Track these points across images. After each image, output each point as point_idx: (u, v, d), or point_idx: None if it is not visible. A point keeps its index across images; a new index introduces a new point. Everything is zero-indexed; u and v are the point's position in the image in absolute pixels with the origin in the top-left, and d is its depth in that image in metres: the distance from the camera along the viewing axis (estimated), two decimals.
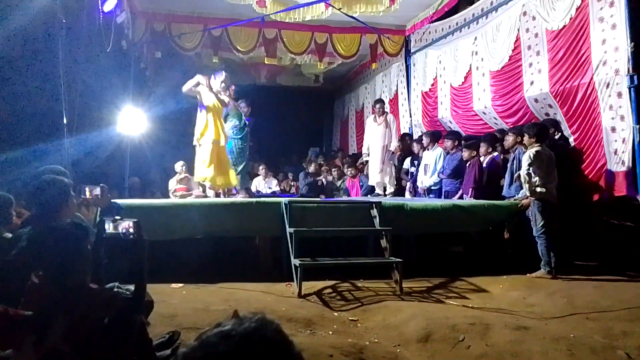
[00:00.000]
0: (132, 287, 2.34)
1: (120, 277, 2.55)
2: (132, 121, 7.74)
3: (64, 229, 2.11)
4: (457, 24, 8.38)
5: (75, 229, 2.14)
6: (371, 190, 8.61)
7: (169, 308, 3.84)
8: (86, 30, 6.21)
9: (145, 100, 8.74)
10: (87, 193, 3.18)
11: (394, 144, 8.37)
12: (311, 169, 9.84)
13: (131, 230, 2.28)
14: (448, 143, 7.48)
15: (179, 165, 8.54)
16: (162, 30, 8.63)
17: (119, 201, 5.20)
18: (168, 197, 8.24)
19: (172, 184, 8.54)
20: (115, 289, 2.53)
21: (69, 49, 5.67)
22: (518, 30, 6.92)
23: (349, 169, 9.37)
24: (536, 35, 6.64)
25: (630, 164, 5.40)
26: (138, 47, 8.65)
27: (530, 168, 5.32)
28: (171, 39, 8.63)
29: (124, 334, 2.09)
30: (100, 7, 6.30)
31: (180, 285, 4.78)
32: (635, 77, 5.33)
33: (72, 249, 2.08)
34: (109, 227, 2.32)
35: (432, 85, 9.03)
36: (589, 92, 5.83)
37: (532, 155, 5.34)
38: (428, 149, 7.90)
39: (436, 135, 8.00)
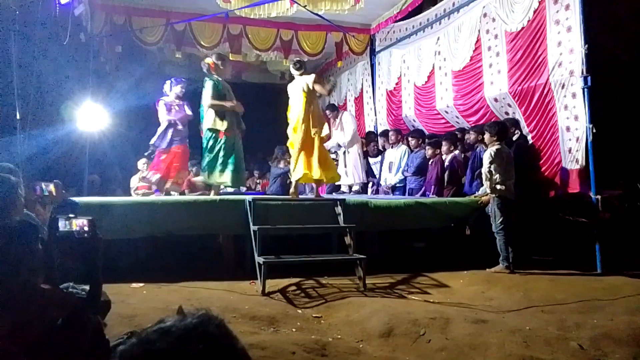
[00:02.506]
0: (87, 287, 2.27)
1: (75, 276, 2.48)
2: (91, 117, 7.52)
3: (11, 228, 2.03)
4: (420, 24, 8.50)
5: (24, 227, 2.06)
6: (336, 188, 8.64)
7: (128, 308, 3.75)
8: (42, 22, 5.98)
9: (105, 95, 8.49)
10: (41, 190, 3.07)
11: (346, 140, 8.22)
12: (281, 165, 9.78)
13: (85, 228, 2.21)
14: (412, 141, 7.59)
15: (141, 163, 8.35)
16: (122, 23, 8.39)
17: (77, 199, 5.07)
18: (129, 195, 8.05)
19: (134, 181, 8.34)
20: (70, 289, 2.45)
21: (22, 42, 5.45)
22: (479, 31, 7.07)
23: None
24: (496, 36, 6.80)
25: (584, 162, 5.60)
26: (97, 41, 8.39)
27: (491, 166, 5.45)
28: (132, 33, 8.41)
29: (78, 335, 2.03)
30: None
31: (141, 284, 4.68)
32: (588, 78, 5.52)
33: (21, 248, 2.00)
34: (62, 225, 2.24)
35: (397, 84, 9.13)
36: (545, 92, 6.02)
37: (492, 154, 5.47)
38: (393, 147, 7.98)
39: (400, 133, 8.09)
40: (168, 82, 7.02)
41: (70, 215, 2.25)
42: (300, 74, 6.00)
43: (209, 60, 6.23)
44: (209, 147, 6.03)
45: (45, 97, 6.24)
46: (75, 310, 2.06)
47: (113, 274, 3.51)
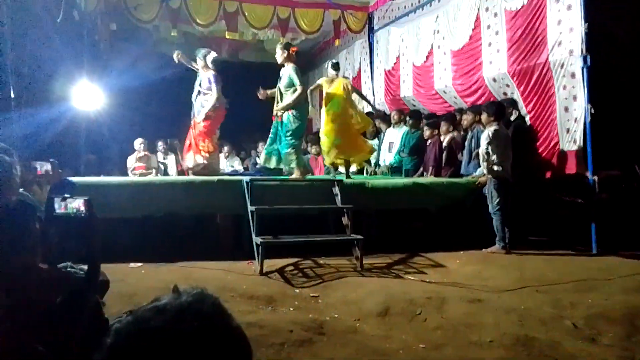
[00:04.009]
0: (85, 267, 2.28)
1: (73, 257, 2.48)
2: (86, 96, 7.44)
3: (8, 208, 2.02)
4: (419, 1, 8.38)
5: (21, 207, 2.06)
6: (335, 168, 8.62)
7: (127, 287, 3.78)
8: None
9: (101, 74, 8.40)
10: (37, 169, 3.05)
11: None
12: None
13: (82, 208, 2.20)
14: (410, 122, 7.56)
15: (137, 143, 8.32)
16: (116, 1, 8.26)
17: (73, 179, 5.05)
18: (126, 175, 8.03)
19: (131, 161, 8.32)
20: (68, 269, 2.46)
21: (15, 20, 5.36)
22: (478, 9, 6.98)
23: (313, 147, 9.32)
24: (495, 14, 6.71)
25: (582, 143, 5.60)
26: (91, 19, 8.26)
27: (489, 147, 5.44)
28: (127, 10, 8.27)
29: (77, 314, 2.04)
30: None
31: (140, 264, 4.70)
32: (588, 57, 5.47)
33: (18, 228, 2.00)
34: (58, 206, 2.23)
35: (395, 63, 9.05)
36: (544, 72, 5.97)
37: (490, 134, 5.45)
38: (394, 127, 7.96)
39: (402, 113, 8.07)
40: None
41: (67, 196, 2.24)
42: (337, 74, 6.72)
43: (285, 49, 6.09)
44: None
45: (39, 76, 6.16)
46: (73, 289, 2.07)
47: (111, 254, 3.51)
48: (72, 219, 2.18)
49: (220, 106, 6.55)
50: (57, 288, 2.01)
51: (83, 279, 2.20)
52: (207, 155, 6.48)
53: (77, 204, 2.21)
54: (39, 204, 2.94)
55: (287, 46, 6.16)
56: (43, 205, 2.62)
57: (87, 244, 2.23)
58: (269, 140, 6.30)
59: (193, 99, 6.60)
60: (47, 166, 3.03)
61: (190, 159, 6.58)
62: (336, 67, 6.81)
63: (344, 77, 7.06)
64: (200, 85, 6.56)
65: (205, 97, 6.48)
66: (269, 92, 6.32)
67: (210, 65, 6.54)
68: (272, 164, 6.29)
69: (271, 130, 6.25)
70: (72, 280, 2.15)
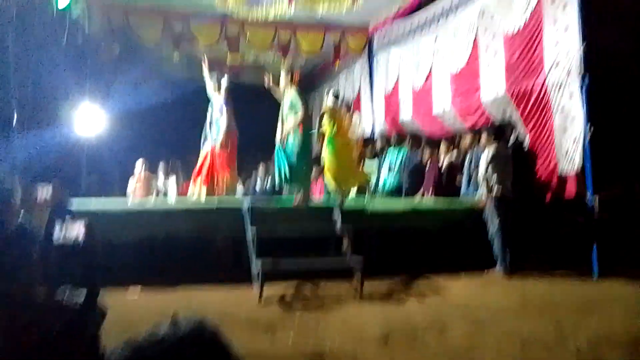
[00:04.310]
0: (84, 291, 2.27)
1: (72, 280, 2.47)
2: (89, 118, 7.51)
3: (8, 235, 2.03)
4: (418, 22, 8.44)
5: (20, 234, 2.07)
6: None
7: (125, 315, 3.72)
8: (39, 23, 5.97)
9: (103, 97, 8.48)
10: (39, 191, 3.07)
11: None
12: None
13: (82, 231, 2.21)
14: (409, 144, 7.59)
15: (139, 164, 8.35)
16: (120, 24, 8.37)
17: (75, 200, 5.06)
18: (127, 196, 8.05)
19: (132, 183, 8.34)
20: (67, 293, 2.45)
21: (19, 43, 5.44)
22: (476, 30, 7.04)
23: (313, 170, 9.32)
24: (493, 36, 6.78)
25: (581, 163, 5.59)
26: (95, 42, 8.36)
27: (489, 167, 5.45)
28: (130, 31, 8.38)
29: (74, 342, 2.03)
30: (54, 3, 6.07)
31: (138, 288, 4.68)
32: (586, 77, 5.50)
33: (17, 255, 2.00)
34: (59, 229, 2.25)
35: (394, 86, 9.11)
36: (542, 93, 6.00)
37: (489, 156, 5.48)
38: (394, 148, 8.01)
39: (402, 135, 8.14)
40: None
41: (67, 218, 2.26)
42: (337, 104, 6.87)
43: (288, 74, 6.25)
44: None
45: (42, 99, 6.23)
46: (71, 317, 2.06)
47: (110, 279, 3.50)
48: (72, 241, 2.19)
49: (233, 131, 6.60)
50: (56, 315, 2.00)
51: (80, 309, 2.19)
52: (225, 187, 6.51)
53: (77, 227, 2.22)
54: (39, 227, 2.95)
55: (290, 70, 6.24)
56: (43, 228, 2.63)
57: (86, 267, 2.24)
58: (275, 164, 6.26)
59: (207, 128, 6.64)
60: (49, 188, 3.04)
61: (193, 188, 6.63)
62: (337, 96, 6.93)
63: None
64: (212, 112, 6.63)
65: (218, 124, 6.54)
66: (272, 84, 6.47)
67: (221, 89, 6.63)
68: (285, 183, 6.26)
69: (276, 154, 6.22)
70: (70, 307, 2.14)
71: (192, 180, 6.79)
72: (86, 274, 2.26)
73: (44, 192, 3.12)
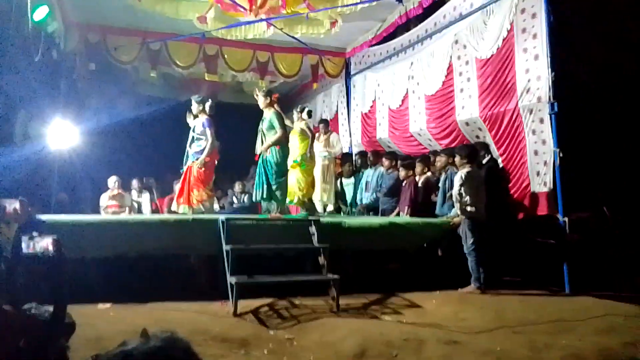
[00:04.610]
0: (51, 308, 2.20)
1: (39, 297, 2.39)
2: (61, 134, 7.37)
3: None
4: (394, 49, 8.68)
5: None
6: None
7: (94, 330, 3.63)
8: (12, 37, 5.88)
9: (77, 113, 8.36)
10: (4, 207, 2.98)
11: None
12: None
13: (50, 247, 2.15)
14: (385, 163, 7.69)
15: (111, 181, 8.22)
16: (97, 41, 8.33)
17: (44, 217, 4.93)
18: (99, 213, 7.88)
19: (104, 199, 8.19)
20: (33, 310, 2.37)
21: None
22: (450, 57, 7.26)
23: None
24: (467, 62, 6.99)
25: (552, 185, 5.75)
26: (70, 58, 8.28)
27: (462, 188, 5.55)
28: (107, 52, 8.34)
29: (41, 358, 1.96)
30: (29, 15, 6.00)
31: (108, 305, 4.55)
32: (555, 104, 5.71)
33: None
34: (26, 245, 2.18)
35: (371, 106, 9.27)
36: (514, 117, 6.18)
37: (463, 176, 5.58)
38: (371, 167, 8.11)
39: (379, 154, 8.26)
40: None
41: (35, 235, 2.20)
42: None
43: (267, 96, 6.38)
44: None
45: (13, 114, 6.10)
46: (38, 333, 1.99)
47: (80, 294, 3.39)
48: (40, 258, 2.13)
49: (214, 151, 6.60)
50: (22, 332, 1.94)
51: (48, 322, 2.13)
52: (199, 204, 6.50)
53: (45, 243, 2.17)
54: (6, 243, 2.86)
55: (269, 93, 6.49)
56: (10, 244, 2.55)
57: (54, 284, 2.18)
58: (256, 178, 6.48)
59: (188, 146, 6.64)
60: (16, 204, 2.95)
61: (175, 207, 6.61)
62: (310, 114, 7.37)
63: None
64: (194, 131, 6.62)
65: (199, 143, 6.53)
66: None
67: (207, 110, 6.63)
68: (261, 198, 6.43)
69: (257, 170, 6.44)
70: (37, 323, 2.08)
71: (175, 200, 6.74)
72: (54, 290, 2.19)
73: (11, 207, 3.03)
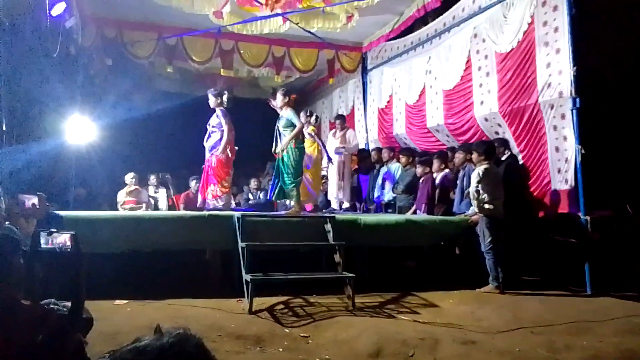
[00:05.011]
0: (69, 304, 2.21)
1: (57, 292, 2.41)
2: (78, 130, 7.44)
3: None
4: (412, 43, 8.58)
5: (4, 242, 2.01)
6: (327, 204, 8.61)
7: (111, 326, 3.66)
8: (31, 33, 5.93)
9: (94, 108, 8.43)
10: (24, 203, 3.01)
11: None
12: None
13: (68, 243, 2.15)
14: (402, 159, 7.61)
15: (129, 177, 8.27)
16: (113, 37, 8.37)
17: (62, 213, 4.98)
18: (116, 209, 7.95)
19: (121, 195, 8.25)
20: (51, 305, 2.38)
21: (10, 53, 5.40)
22: (469, 51, 7.14)
23: None
24: (486, 56, 6.87)
25: (573, 183, 5.63)
26: (87, 53, 8.35)
27: (479, 185, 5.45)
28: (123, 47, 8.39)
29: (58, 353, 1.96)
30: (47, 11, 6.05)
31: (125, 301, 4.59)
32: (577, 99, 5.58)
33: (2, 263, 1.94)
34: (44, 240, 2.19)
35: (388, 102, 9.18)
36: (535, 112, 6.07)
37: (480, 173, 5.48)
38: (387, 164, 8.04)
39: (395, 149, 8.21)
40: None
41: (53, 230, 2.20)
42: None
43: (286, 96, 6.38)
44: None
45: (32, 111, 6.17)
46: (56, 327, 2.00)
47: (97, 290, 3.42)
48: (58, 254, 2.14)
49: (232, 147, 6.62)
50: (39, 325, 1.94)
51: (66, 317, 2.13)
52: (215, 200, 6.52)
53: (63, 239, 2.17)
54: (24, 238, 2.88)
55: (287, 93, 6.46)
56: (29, 239, 2.57)
57: (72, 279, 2.18)
58: (273, 176, 6.51)
59: (205, 141, 6.67)
60: (35, 200, 2.98)
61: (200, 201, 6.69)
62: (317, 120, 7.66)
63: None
64: (209, 124, 6.65)
65: (215, 135, 6.56)
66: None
67: (224, 103, 6.66)
68: (279, 197, 6.50)
69: (275, 167, 6.47)
70: (54, 317, 2.08)
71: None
72: (72, 285, 2.20)
73: (30, 203, 3.06)
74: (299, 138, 6.32)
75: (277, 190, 6.30)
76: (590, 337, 3.95)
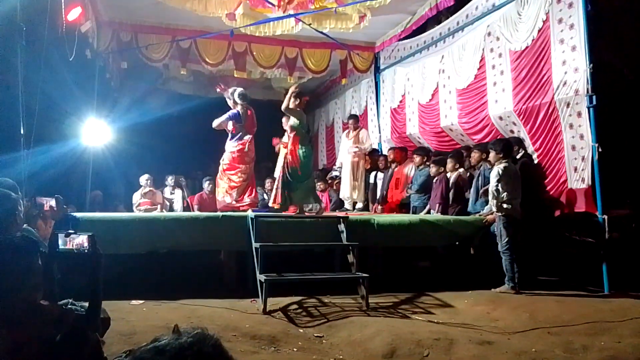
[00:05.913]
0: (87, 304, 2.24)
1: (75, 293, 2.45)
2: (95, 133, 7.55)
3: (12, 243, 2.00)
4: (424, 42, 8.54)
5: (24, 243, 2.04)
6: (340, 204, 8.61)
7: (127, 326, 3.71)
8: (48, 38, 6.03)
9: (110, 111, 8.54)
10: (42, 205, 3.06)
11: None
12: None
13: (85, 244, 2.19)
14: (416, 159, 7.57)
15: (143, 179, 8.36)
16: (128, 40, 8.48)
17: (79, 214, 5.05)
18: (132, 211, 8.04)
19: (136, 197, 8.34)
20: (69, 306, 2.42)
21: (28, 57, 5.49)
22: (483, 50, 7.08)
23: (318, 183, 9.34)
24: (500, 55, 6.80)
25: (590, 181, 5.55)
26: (103, 57, 8.46)
27: (499, 184, 5.39)
28: (138, 50, 8.49)
29: (76, 352, 2.00)
30: (63, 16, 6.14)
31: (141, 301, 4.64)
32: (594, 97, 5.49)
33: (21, 264, 1.98)
34: (62, 242, 2.22)
35: (401, 101, 9.14)
36: (550, 111, 5.99)
37: (500, 171, 5.42)
38: (401, 164, 8.03)
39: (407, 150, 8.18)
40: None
41: (71, 231, 2.24)
42: None
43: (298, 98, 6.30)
44: None
45: (49, 113, 6.26)
46: (74, 327, 2.03)
47: (113, 290, 3.47)
48: (75, 255, 2.17)
49: (246, 144, 6.70)
50: (58, 325, 1.98)
51: (84, 317, 2.17)
52: (226, 196, 6.64)
53: (80, 240, 2.20)
54: (42, 240, 2.93)
55: (299, 95, 6.36)
56: (47, 240, 2.61)
57: (90, 280, 2.21)
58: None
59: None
60: (52, 202, 3.03)
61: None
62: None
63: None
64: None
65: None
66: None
67: (238, 100, 6.71)
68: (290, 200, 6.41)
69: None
70: (73, 317, 2.11)
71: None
72: (89, 285, 2.23)
73: (47, 205, 3.11)
74: (305, 140, 6.23)
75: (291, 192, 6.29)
76: (608, 337, 3.89)
